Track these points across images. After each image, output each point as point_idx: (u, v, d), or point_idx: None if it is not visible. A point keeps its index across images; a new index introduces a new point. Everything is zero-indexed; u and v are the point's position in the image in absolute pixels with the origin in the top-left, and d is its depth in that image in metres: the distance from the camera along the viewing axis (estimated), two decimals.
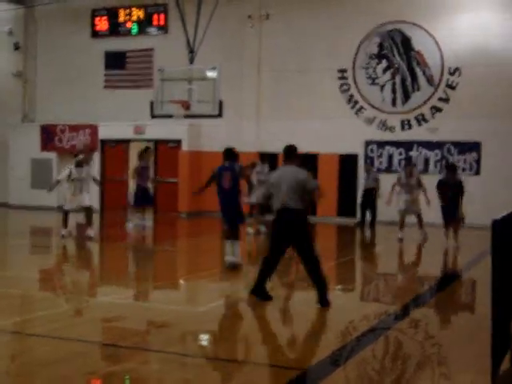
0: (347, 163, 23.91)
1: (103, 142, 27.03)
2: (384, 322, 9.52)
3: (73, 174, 17.49)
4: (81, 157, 17.99)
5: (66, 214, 17.76)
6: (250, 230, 18.96)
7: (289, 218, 9.93)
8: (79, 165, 17.66)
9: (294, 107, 24.47)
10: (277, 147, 23.93)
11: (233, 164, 13.47)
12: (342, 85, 24.32)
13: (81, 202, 17.69)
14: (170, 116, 22.94)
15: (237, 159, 13.78)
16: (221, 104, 21.36)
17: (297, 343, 8.54)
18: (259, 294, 10.25)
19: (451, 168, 17.84)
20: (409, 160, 22.29)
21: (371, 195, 21.90)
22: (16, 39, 28.88)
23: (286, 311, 10.40)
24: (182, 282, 13.19)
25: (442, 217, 17.44)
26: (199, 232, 22.31)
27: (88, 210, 17.88)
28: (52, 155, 27.41)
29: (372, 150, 23.84)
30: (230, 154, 13.61)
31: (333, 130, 23.39)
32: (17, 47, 28.85)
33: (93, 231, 17.91)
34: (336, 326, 9.43)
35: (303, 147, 23.15)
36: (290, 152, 10.42)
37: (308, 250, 10.03)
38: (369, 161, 23.63)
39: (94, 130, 26.96)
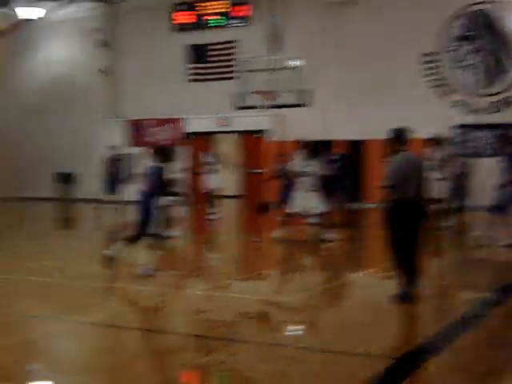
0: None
1: (189, 134, 27.25)
2: (478, 310, 9.30)
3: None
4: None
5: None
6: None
7: (415, 207, 9.39)
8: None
9: (380, 93, 24.13)
10: (362, 133, 23.85)
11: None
12: (427, 69, 23.88)
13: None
14: (255, 107, 22.96)
15: None
16: (305, 93, 21.24)
17: (389, 332, 8.39)
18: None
19: None
20: None
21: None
22: (102, 36, 29.37)
23: (374, 300, 10.26)
24: (270, 272, 13.17)
25: None
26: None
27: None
28: (140, 150, 27.75)
29: (459, 134, 23.34)
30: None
31: (419, 115, 22.90)
32: (103, 44, 29.35)
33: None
34: (428, 314, 9.25)
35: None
36: (402, 136, 9.54)
37: (416, 239, 9.49)
38: (457, 145, 23.14)
39: (179, 123, 27.21)
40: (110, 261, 12.03)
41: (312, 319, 9.07)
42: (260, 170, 25.34)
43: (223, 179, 21.42)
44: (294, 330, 8.74)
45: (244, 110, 24.15)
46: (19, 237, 18.63)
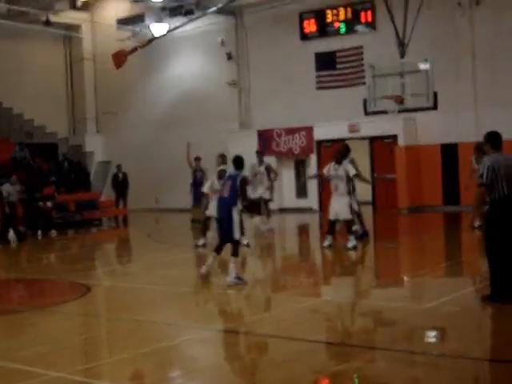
0: None
1: (319, 142, 27.25)
2: None
3: (214, 185, 16.51)
4: (222, 168, 17.03)
5: (206, 220, 17.25)
6: None
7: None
8: (221, 176, 16.26)
9: (509, 94, 23.37)
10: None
11: (236, 173, 12.83)
12: None
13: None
14: (384, 112, 22.70)
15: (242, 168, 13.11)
16: (435, 96, 20.81)
17: None
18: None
19: None
20: None
21: None
22: (228, 49, 29.83)
23: None
24: (405, 278, 12.98)
25: None
26: (421, 228, 21.88)
27: None
28: (271, 159, 27.98)
29: None
30: (237, 162, 13.06)
31: None
32: (229, 57, 29.79)
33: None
34: None
35: None
36: (499, 139, 10.06)
37: None
38: None
39: (309, 131, 27.25)
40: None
41: (450, 325, 8.85)
42: (392, 176, 25.03)
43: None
44: (433, 336, 8.57)
45: (374, 116, 23.94)
46: (157, 248, 19.16)
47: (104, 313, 10.90)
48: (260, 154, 21.65)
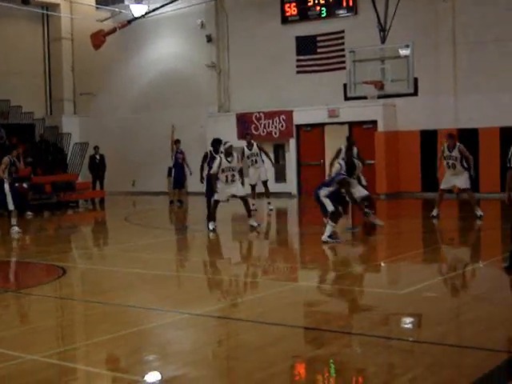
0: None
1: (298, 127, 27.19)
2: None
3: (223, 164, 16.64)
4: (228, 144, 17.01)
5: (215, 204, 17.05)
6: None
7: None
8: (228, 154, 16.79)
9: (493, 79, 23.40)
10: (476, 121, 23.19)
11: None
12: None
13: (236, 192, 16.94)
14: (364, 97, 22.65)
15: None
16: (416, 82, 20.80)
17: (505, 325, 8.08)
18: None
19: None
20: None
21: None
22: (208, 31, 29.64)
23: (491, 291, 9.93)
24: (382, 264, 12.97)
25: None
26: (399, 214, 21.94)
27: (244, 200, 17.10)
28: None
29: None
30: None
31: None
32: (209, 39, 29.62)
33: (255, 221, 17.29)
34: None
35: (504, 121, 22.42)
36: None
37: None
38: None
39: (288, 115, 27.17)
40: None
41: (426, 311, 8.85)
42: (371, 161, 25.02)
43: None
44: (409, 322, 8.56)
45: (353, 101, 23.90)
46: (134, 231, 19.08)
47: (80, 295, 10.81)
48: (249, 136, 21.76)
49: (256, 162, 21.07)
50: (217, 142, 17.97)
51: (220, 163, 16.64)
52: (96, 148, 28.82)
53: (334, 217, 14.50)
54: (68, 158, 29.90)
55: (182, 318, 8.70)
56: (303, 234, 17.77)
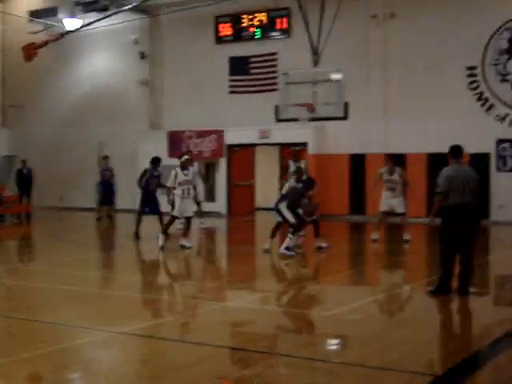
0: (478, 163, 23.13)
1: (229, 146, 27.26)
2: None
3: (179, 177, 16.58)
4: (185, 158, 17.18)
5: (172, 220, 17.01)
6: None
7: (467, 213, 10.65)
8: (184, 167, 16.86)
9: (421, 106, 23.90)
10: (404, 147, 23.61)
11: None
12: (471, 82, 23.60)
13: (189, 211, 16.88)
14: (295, 119, 22.87)
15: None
16: (346, 106, 21.12)
17: (429, 347, 8.23)
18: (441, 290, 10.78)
19: None
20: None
21: None
22: (142, 48, 29.58)
23: (416, 314, 10.09)
24: (309, 285, 13.04)
25: None
26: (326, 236, 22.08)
27: (188, 220, 16.99)
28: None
29: (504, 149, 23.00)
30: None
31: (463, 129, 22.61)
32: (143, 56, 29.56)
33: (189, 241, 17.08)
34: (470, 330, 9.07)
35: (432, 147, 22.89)
36: (460, 151, 11.03)
37: (471, 241, 10.78)
38: (501, 160, 22.83)
39: (220, 135, 27.24)
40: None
41: (352, 333, 8.92)
42: None
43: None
44: (333, 344, 8.62)
45: (285, 123, 24.10)
46: (61, 247, 18.80)
47: (2, 311, 10.56)
48: (190, 155, 21.62)
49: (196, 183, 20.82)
50: (157, 160, 19.08)
51: (176, 176, 16.52)
52: (23, 161, 28.31)
53: (295, 229, 15.07)
54: None
55: (106, 336, 8.60)
56: (233, 253, 17.78)
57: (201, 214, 21.19)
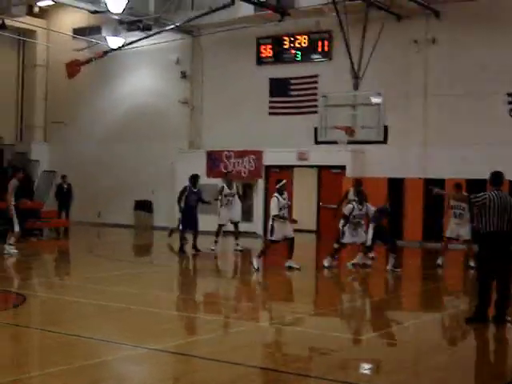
0: None
1: (268, 167, 27.28)
2: None
3: (280, 203, 16.53)
4: (283, 183, 17.06)
5: (270, 245, 17.10)
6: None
7: (504, 241, 10.55)
8: (282, 192, 16.80)
9: (461, 132, 23.73)
10: (442, 173, 23.43)
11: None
12: (511, 109, 23.39)
13: (290, 232, 16.85)
14: (334, 142, 22.86)
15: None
16: (386, 129, 21.09)
17: (462, 376, 8.11)
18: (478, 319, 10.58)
19: None
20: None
21: None
22: (183, 68, 29.79)
23: (452, 343, 9.99)
24: (343, 308, 12.98)
25: None
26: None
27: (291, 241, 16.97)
28: (218, 181, 27.93)
29: None
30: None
31: (502, 156, 22.36)
32: (184, 75, 29.75)
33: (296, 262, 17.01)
34: (506, 359, 8.96)
35: (472, 173, 22.66)
36: (500, 178, 10.97)
37: (509, 269, 10.61)
38: None
39: (258, 156, 27.28)
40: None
41: (386, 359, 8.85)
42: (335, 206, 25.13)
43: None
44: (368, 368, 8.56)
45: (324, 145, 24.09)
46: (95, 262, 18.93)
47: (37, 325, 10.66)
48: (229, 174, 21.75)
49: (231, 202, 20.83)
50: (196, 177, 20.12)
51: (278, 202, 16.49)
52: (64, 177, 28.62)
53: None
54: (35, 185, 29.67)
55: (139, 353, 8.62)
56: (268, 274, 17.78)
57: (236, 235, 21.22)
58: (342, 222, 17.61)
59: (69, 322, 10.42)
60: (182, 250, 19.81)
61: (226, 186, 20.92)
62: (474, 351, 9.61)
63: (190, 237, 20.10)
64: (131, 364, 8.26)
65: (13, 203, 18.87)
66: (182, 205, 19.95)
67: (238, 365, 8.11)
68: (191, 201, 19.88)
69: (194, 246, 19.81)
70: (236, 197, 21.03)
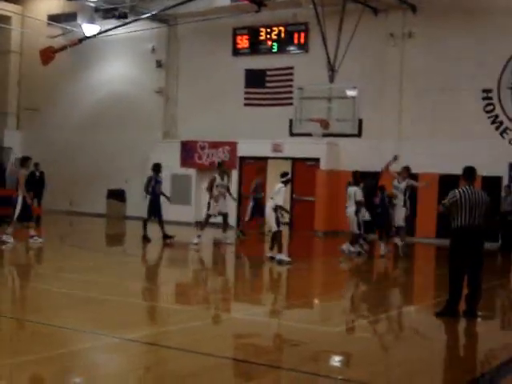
0: (490, 186, 23.03)
1: (242, 159, 27.25)
2: None
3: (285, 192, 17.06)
4: (288, 177, 17.33)
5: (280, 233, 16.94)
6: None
7: (475, 236, 10.61)
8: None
9: (435, 127, 23.87)
10: (416, 167, 23.53)
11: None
12: (486, 105, 23.55)
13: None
14: (309, 134, 22.86)
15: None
16: (360, 123, 21.14)
17: (433, 369, 8.18)
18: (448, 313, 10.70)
19: None
20: None
21: (506, 219, 21.38)
22: (158, 57, 29.66)
23: (421, 335, 10.05)
24: (316, 301, 13.02)
25: None
26: (334, 251, 22.04)
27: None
28: (191, 171, 27.91)
29: None
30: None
31: (476, 152, 22.50)
32: (159, 65, 29.64)
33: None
34: (475, 353, 9.03)
35: (444, 168, 22.81)
36: (472, 173, 11.00)
37: (480, 264, 10.73)
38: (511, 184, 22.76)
39: (233, 147, 27.25)
40: None
41: (358, 351, 8.88)
42: (311, 198, 25.21)
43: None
44: (340, 360, 8.58)
45: (298, 137, 24.10)
46: (68, 251, 18.83)
47: (8, 313, 10.57)
48: (223, 165, 21.40)
49: (223, 194, 20.51)
50: (159, 167, 20.32)
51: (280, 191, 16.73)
52: (36, 164, 28.33)
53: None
54: (7, 172, 29.40)
55: (111, 342, 8.59)
56: (243, 265, 17.78)
57: (226, 227, 20.91)
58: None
59: (40, 311, 10.35)
60: (146, 238, 19.97)
61: (218, 177, 20.51)
62: (445, 345, 9.67)
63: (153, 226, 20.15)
64: (103, 353, 8.23)
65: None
66: (149, 194, 20.21)
67: (210, 355, 8.10)
68: (157, 189, 20.24)
69: (165, 235, 19.91)
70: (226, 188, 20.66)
